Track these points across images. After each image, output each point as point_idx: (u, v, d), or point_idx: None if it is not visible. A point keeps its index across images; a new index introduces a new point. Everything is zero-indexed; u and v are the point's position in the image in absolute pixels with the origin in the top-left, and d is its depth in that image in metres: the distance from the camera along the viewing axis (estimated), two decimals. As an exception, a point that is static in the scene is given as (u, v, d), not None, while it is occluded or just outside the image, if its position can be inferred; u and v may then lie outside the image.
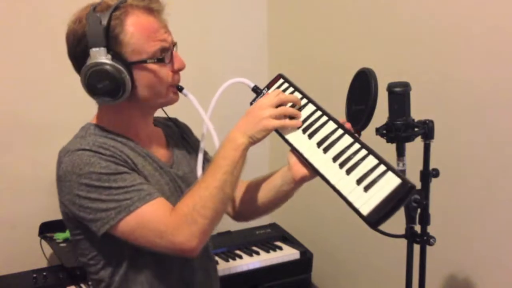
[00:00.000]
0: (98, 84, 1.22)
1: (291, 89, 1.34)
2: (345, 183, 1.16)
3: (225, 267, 2.09)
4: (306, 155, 1.24)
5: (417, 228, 1.35)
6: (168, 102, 1.33)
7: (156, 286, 1.31)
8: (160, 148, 1.40)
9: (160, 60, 1.26)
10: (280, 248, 2.27)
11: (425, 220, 1.34)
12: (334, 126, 1.24)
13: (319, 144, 1.23)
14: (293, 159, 1.28)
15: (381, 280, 2.10)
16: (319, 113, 1.27)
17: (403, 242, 1.34)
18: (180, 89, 1.33)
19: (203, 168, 1.37)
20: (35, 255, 2.09)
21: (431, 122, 1.32)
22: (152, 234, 1.19)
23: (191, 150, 1.48)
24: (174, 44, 1.31)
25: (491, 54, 1.62)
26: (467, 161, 1.71)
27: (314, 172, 1.24)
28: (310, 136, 1.25)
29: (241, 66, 2.53)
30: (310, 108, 1.28)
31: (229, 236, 2.33)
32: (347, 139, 1.21)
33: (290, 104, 1.29)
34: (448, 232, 1.68)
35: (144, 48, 1.25)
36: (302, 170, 1.27)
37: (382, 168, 1.13)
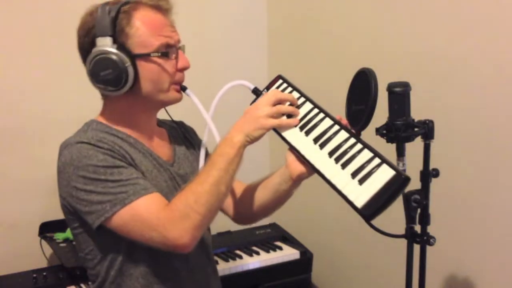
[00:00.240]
0: (101, 71, 1.26)
1: (290, 89, 1.36)
2: (340, 177, 1.18)
3: (225, 267, 2.09)
4: (302, 151, 1.26)
5: (417, 228, 1.35)
6: (170, 100, 1.35)
7: (151, 282, 1.31)
8: (162, 147, 1.42)
9: (164, 55, 1.29)
10: (280, 248, 2.27)
11: (425, 220, 1.34)
12: (331, 122, 1.26)
13: (316, 140, 1.25)
14: (291, 157, 1.30)
15: (381, 280, 2.10)
16: (316, 110, 1.29)
17: (403, 242, 1.34)
18: (184, 88, 1.35)
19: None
20: (35, 255, 2.09)
21: (431, 122, 1.32)
22: (145, 227, 1.20)
23: (195, 152, 1.49)
24: (179, 44, 1.34)
25: (491, 54, 1.62)
26: (467, 161, 1.71)
27: (310, 168, 1.25)
28: (307, 133, 1.27)
29: (241, 66, 2.53)
30: (308, 106, 1.30)
31: (229, 236, 2.33)
32: (343, 135, 1.23)
33: (288, 103, 1.30)
34: (448, 232, 1.68)
35: (149, 41, 1.28)
36: (299, 168, 1.28)
37: (376, 161, 1.15)
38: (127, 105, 1.33)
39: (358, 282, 2.26)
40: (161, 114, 1.48)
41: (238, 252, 2.22)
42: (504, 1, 1.58)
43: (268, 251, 2.23)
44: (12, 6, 2.11)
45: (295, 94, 1.34)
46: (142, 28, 1.28)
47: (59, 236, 2.07)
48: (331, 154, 1.22)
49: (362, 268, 2.22)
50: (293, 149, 1.29)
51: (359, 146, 1.19)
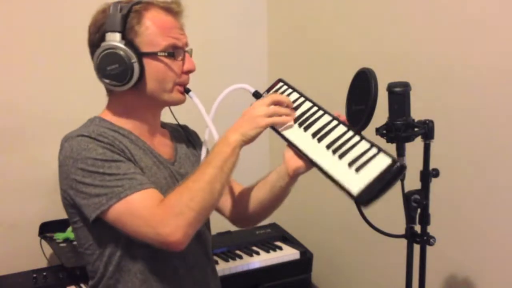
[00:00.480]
0: (108, 66, 1.28)
1: (290, 90, 1.37)
2: (337, 167, 1.19)
3: (225, 267, 2.09)
4: (299, 145, 1.27)
5: (417, 228, 1.35)
6: (174, 100, 1.36)
7: (150, 279, 1.32)
8: (164, 146, 1.43)
9: (171, 55, 1.31)
10: (280, 248, 2.27)
11: (425, 220, 1.34)
12: (329, 118, 1.27)
13: (314, 135, 1.26)
14: (289, 154, 1.32)
15: (381, 280, 2.10)
16: (315, 108, 1.31)
17: (403, 242, 1.34)
18: (187, 91, 1.37)
19: None
20: (35, 255, 2.09)
21: (431, 122, 1.32)
22: (138, 222, 1.20)
23: (196, 153, 1.51)
24: (187, 47, 1.36)
25: (491, 54, 1.62)
26: (467, 161, 1.71)
27: (307, 161, 1.26)
28: (306, 129, 1.28)
29: (241, 67, 2.53)
30: (307, 104, 1.32)
31: (229, 236, 2.33)
32: (341, 129, 1.24)
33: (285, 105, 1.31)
34: (448, 232, 1.68)
35: (157, 41, 1.30)
36: (296, 163, 1.30)
37: (374, 150, 1.16)
38: (131, 101, 1.35)
39: (358, 282, 2.26)
40: (167, 118, 1.49)
41: (238, 252, 2.22)
42: (504, 1, 1.58)
43: (268, 251, 2.23)
44: (12, 6, 2.11)
45: (295, 95, 1.35)
46: (152, 27, 1.30)
47: (59, 236, 2.07)
48: (328, 146, 1.23)
49: (362, 268, 2.22)
50: (290, 144, 1.30)
51: (356, 138, 1.21)
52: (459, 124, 1.72)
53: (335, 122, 1.26)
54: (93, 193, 1.22)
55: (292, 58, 2.53)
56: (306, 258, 2.26)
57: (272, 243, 2.32)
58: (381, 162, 1.13)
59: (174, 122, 1.53)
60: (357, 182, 1.13)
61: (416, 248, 1.35)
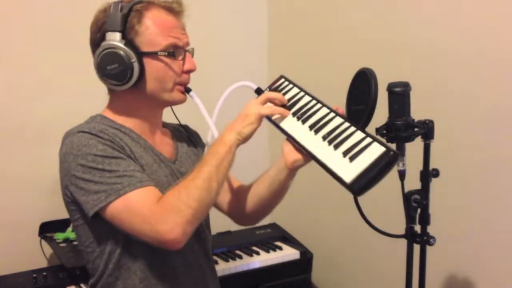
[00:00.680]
0: (108, 65, 1.29)
1: (291, 86, 1.39)
2: (332, 157, 1.20)
3: (225, 267, 2.09)
4: (296, 137, 1.29)
5: (417, 228, 1.35)
6: (174, 100, 1.37)
7: (149, 277, 1.32)
8: (165, 145, 1.44)
9: (171, 55, 1.32)
10: (280, 248, 2.27)
11: (425, 220, 1.34)
12: (327, 111, 1.29)
13: (311, 127, 1.28)
14: (287, 147, 1.33)
15: (381, 280, 2.10)
16: (314, 102, 1.32)
17: (403, 242, 1.34)
18: (188, 90, 1.37)
19: None
20: (35, 255, 2.09)
21: (431, 122, 1.32)
22: (137, 219, 1.21)
23: (197, 153, 1.51)
24: (188, 46, 1.36)
25: (492, 54, 1.62)
26: (467, 161, 1.71)
27: (304, 153, 1.28)
28: (304, 121, 1.30)
29: (241, 66, 2.53)
30: (306, 98, 1.34)
31: (229, 236, 2.33)
32: (337, 120, 1.26)
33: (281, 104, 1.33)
34: (448, 232, 1.68)
35: (157, 40, 1.31)
36: (294, 156, 1.31)
37: (368, 140, 1.18)
38: (132, 100, 1.35)
39: (358, 282, 2.26)
40: (168, 118, 1.49)
41: (238, 252, 2.22)
42: (504, 1, 1.58)
43: (268, 251, 2.23)
44: (12, 6, 2.11)
45: (295, 90, 1.37)
46: (152, 27, 1.30)
47: (59, 236, 2.07)
48: (324, 137, 1.24)
49: (362, 268, 2.22)
50: (288, 137, 1.31)
51: (352, 129, 1.22)
52: (459, 124, 1.72)
53: (332, 114, 1.28)
54: (92, 190, 1.22)
55: (292, 58, 2.53)
56: (306, 258, 2.26)
57: (272, 243, 2.32)
58: (375, 151, 1.14)
59: (176, 122, 1.54)
60: (350, 171, 1.15)
61: (416, 248, 1.35)
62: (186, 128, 1.57)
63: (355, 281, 2.28)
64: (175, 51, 1.32)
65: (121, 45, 1.28)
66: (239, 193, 1.50)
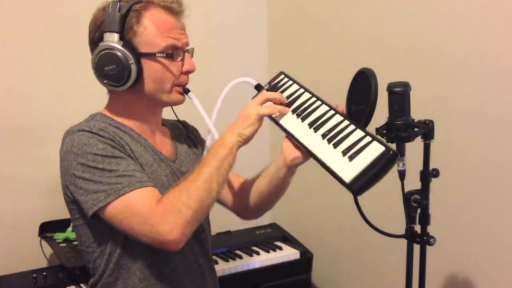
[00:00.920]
0: (105, 66, 1.28)
1: (290, 82, 1.39)
2: (331, 156, 1.20)
3: (225, 267, 2.09)
4: (296, 134, 1.28)
5: (417, 228, 1.35)
6: (172, 101, 1.37)
7: (149, 276, 1.32)
8: (165, 144, 1.44)
9: (169, 56, 1.31)
10: (280, 248, 2.27)
11: (425, 220, 1.34)
12: (326, 108, 1.28)
13: (311, 125, 1.28)
14: (287, 144, 1.33)
15: (381, 280, 2.10)
16: (313, 99, 1.32)
17: (403, 242, 1.34)
18: (187, 91, 1.36)
19: None
20: (35, 255, 2.09)
21: (431, 122, 1.32)
22: (136, 220, 1.20)
23: (197, 150, 1.51)
24: (188, 46, 1.35)
25: (492, 54, 1.62)
26: (467, 161, 1.71)
27: (304, 150, 1.27)
28: (303, 119, 1.29)
29: (241, 66, 2.53)
30: (306, 95, 1.33)
31: (229, 236, 2.33)
32: (337, 118, 1.25)
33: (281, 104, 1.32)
34: (448, 232, 1.68)
35: (155, 41, 1.30)
36: (293, 153, 1.30)
37: (367, 139, 1.17)
38: (131, 100, 1.35)
39: (358, 282, 2.26)
40: (166, 114, 1.49)
41: (238, 252, 2.22)
42: (504, 1, 1.58)
43: (268, 251, 2.23)
44: (12, 6, 2.11)
45: (295, 87, 1.37)
46: (151, 27, 1.29)
47: (59, 236, 2.07)
48: (324, 136, 1.24)
49: (362, 268, 2.22)
50: (288, 134, 1.31)
51: (352, 127, 1.22)
52: (459, 124, 1.72)
53: (332, 112, 1.27)
54: (92, 189, 1.22)
55: (292, 58, 2.53)
56: (306, 258, 2.25)
57: (272, 243, 2.32)
58: (374, 150, 1.14)
59: (173, 118, 1.52)
60: (350, 170, 1.15)
61: (416, 248, 1.35)
62: (184, 124, 1.57)
63: (355, 281, 2.28)
64: (173, 52, 1.31)
65: (118, 46, 1.27)
66: (241, 188, 1.50)
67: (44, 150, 2.03)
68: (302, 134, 1.28)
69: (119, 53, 1.26)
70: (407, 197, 1.31)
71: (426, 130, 1.32)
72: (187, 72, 1.36)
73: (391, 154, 1.12)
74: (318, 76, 2.30)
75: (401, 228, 1.34)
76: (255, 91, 1.41)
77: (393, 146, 1.28)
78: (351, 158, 1.16)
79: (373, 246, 2.08)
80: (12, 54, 2.12)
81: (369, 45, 2.06)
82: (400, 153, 1.28)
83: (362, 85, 1.23)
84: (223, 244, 2.24)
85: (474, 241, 1.71)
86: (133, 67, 1.27)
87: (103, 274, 1.33)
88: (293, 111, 1.32)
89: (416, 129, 1.31)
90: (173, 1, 1.33)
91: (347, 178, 1.14)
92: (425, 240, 1.34)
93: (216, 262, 2.10)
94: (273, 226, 2.45)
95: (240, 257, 2.18)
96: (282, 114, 1.32)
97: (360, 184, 1.13)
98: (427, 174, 1.35)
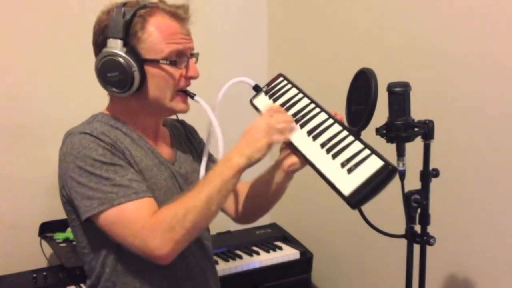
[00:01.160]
0: (108, 73, 1.27)
1: (289, 85, 1.38)
2: (330, 167, 1.19)
3: (225, 267, 2.09)
4: (295, 142, 1.27)
5: (417, 228, 1.35)
6: (176, 109, 1.35)
7: (148, 280, 1.31)
8: (165, 146, 1.43)
9: (173, 63, 1.29)
10: (280, 248, 2.27)
11: (425, 220, 1.34)
12: (325, 116, 1.28)
13: (309, 133, 1.27)
14: (284, 150, 1.31)
15: (381, 280, 2.10)
16: (312, 105, 1.31)
17: (403, 242, 1.34)
18: (192, 96, 1.35)
19: (207, 169, 1.39)
20: (35, 255, 2.09)
21: (431, 122, 1.32)
22: (128, 231, 1.20)
23: (195, 151, 1.51)
24: (193, 53, 1.35)
25: (492, 54, 1.62)
26: (467, 161, 1.71)
27: (302, 158, 1.27)
28: (302, 126, 1.29)
29: (241, 66, 2.53)
30: (305, 101, 1.33)
31: (229, 236, 2.33)
32: (336, 128, 1.25)
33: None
34: (448, 232, 1.68)
35: (159, 48, 1.28)
36: (291, 159, 1.29)
37: (366, 152, 1.17)
38: (133, 105, 1.34)
39: (358, 282, 2.26)
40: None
41: (238, 252, 2.22)
42: (504, 1, 1.58)
43: (268, 251, 2.23)
44: (12, 7, 2.11)
45: (294, 91, 1.36)
46: (155, 34, 1.28)
47: (59, 236, 2.07)
48: (323, 145, 1.23)
49: (362, 268, 2.22)
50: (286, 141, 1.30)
51: (350, 138, 1.21)
52: (459, 124, 1.72)
53: (330, 121, 1.27)
54: (86, 195, 1.22)
55: (292, 58, 2.53)
56: (306, 258, 2.25)
57: (272, 243, 2.32)
58: (373, 165, 1.14)
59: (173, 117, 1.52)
60: (348, 183, 1.14)
61: (416, 248, 1.35)
62: (182, 123, 1.56)
63: (355, 281, 2.28)
64: (177, 60, 1.30)
65: (122, 53, 1.25)
66: (237, 192, 1.49)
67: (44, 150, 2.02)
68: (300, 141, 1.27)
69: (122, 60, 1.25)
70: (407, 197, 1.31)
71: (426, 130, 1.32)
72: (191, 78, 1.35)
73: (390, 169, 1.12)
74: (318, 76, 2.31)
75: (401, 228, 1.34)
76: (253, 92, 1.41)
77: (393, 146, 1.29)
78: (349, 170, 1.16)
79: (373, 246, 2.08)
80: (12, 54, 2.12)
81: (369, 45, 2.06)
82: (400, 153, 1.29)
83: (362, 85, 1.23)
84: (223, 244, 2.24)
85: (474, 241, 1.71)
86: (136, 74, 1.26)
87: (100, 277, 1.32)
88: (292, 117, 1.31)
89: (416, 129, 1.31)
90: (179, 7, 1.31)
91: (346, 191, 1.14)
92: (425, 240, 1.34)
93: (216, 262, 2.10)
94: (273, 226, 2.45)
95: (240, 257, 2.18)
96: None
97: (359, 198, 1.12)
98: (427, 174, 1.35)
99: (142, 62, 1.27)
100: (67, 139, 1.28)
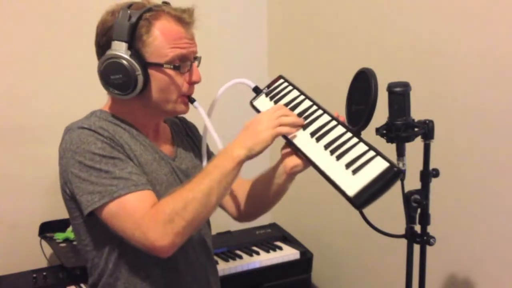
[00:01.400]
0: (111, 75, 1.26)
1: (290, 87, 1.38)
2: (334, 168, 1.19)
3: (225, 267, 2.09)
4: (298, 144, 1.27)
5: (417, 228, 1.35)
6: (177, 111, 1.36)
7: (150, 275, 1.32)
8: (165, 143, 1.43)
9: (176, 68, 1.29)
10: (280, 248, 2.27)
11: (425, 220, 1.34)
12: (328, 118, 1.28)
13: (312, 134, 1.26)
14: (286, 151, 1.31)
15: (381, 280, 2.10)
16: (314, 107, 1.31)
17: (403, 242, 1.34)
18: (192, 101, 1.36)
19: (208, 158, 1.41)
20: (35, 255, 2.09)
21: (431, 122, 1.32)
22: (128, 223, 1.20)
23: (195, 147, 1.51)
24: (196, 57, 1.35)
25: (492, 54, 1.62)
26: (467, 161, 1.71)
27: (305, 160, 1.26)
28: (304, 127, 1.28)
29: (241, 67, 2.53)
30: (307, 103, 1.32)
31: (229, 236, 2.33)
32: (339, 129, 1.25)
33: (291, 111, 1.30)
34: (448, 232, 1.68)
35: (164, 52, 1.28)
36: (293, 161, 1.29)
37: (371, 153, 1.17)
38: (133, 106, 1.34)
39: (358, 282, 2.26)
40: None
41: (238, 252, 2.22)
42: (504, 1, 1.58)
43: (268, 251, 2.23)
44: (12, 7, 2.11)
45: (295, 93, 1.36)
46: (160, 37, 1.27)
47: (59, 236, 2.07)
48: (326, 146, 1.23)
49: (362, 268, 2.22)
50: (289, 142, 1.30)
51: (355, 140, 1.21)
52: (459, 124, 1.72)
53: (334, 122, 1.27)
54: (87, 190, 1.22)
55: (292, 58, 2.53)
56: (306, 258, 2.26)
57: (272, 243, 2.32)
58: (378, 166, 1.14)
59: None
60: (353, 185, 1.14)
61: (416, 248, 1.35)
62: (183, 120, 1.56)
63: (355, 281, 2.28)
64: (180, 64, 1.30)
65: (126, 56, 1.25)
66: (237, 191, 1.49)
67: (44, 150, 2.02)
68: (303, 143, 1.26)
69: (126, 63, 1.25)
70: (407, 197, 1.31)
71: (426, 130, 1.31)
72: (194, 83, 1.35)
73: (395, 171, 1.12)
74: (318, 76, 2.31)
75: (401, 228, 1.34)
76: (254, 94, 1.41)
77: (393, 146, 1.29)
78: (354, 172, 1.16)
79: (373, 246, 2.08)
80: (12, 54, 2.12)
81: (369, 45, 2.06)
82: (400, 153, 1.29)
83: (362, 85, 1.23)
84: (223, 244, 2.24)
85: (474, 241, 1.71)
86: (140, 78, 1.26)
87: (102, 274, 1.33)
88: None
89: (416, 129, 1.30)
90: (184, 11, 1.31)
91: (351, 192, 1.14)
92: (425, 240, 1.34)
93: (216, 262, 2.10)
94: (273, 226, 2.45)
95: (240, 257, 2.18)
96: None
97: (363, 199, 1.12)
98: (427, 174, 1.35)
99: (145, 65, 1.27)
100: (66, 135, 1.28)
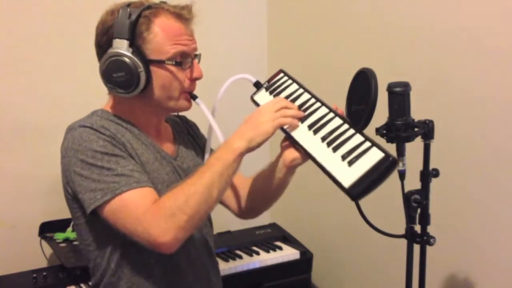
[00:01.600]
0: (113, 73, 1.27)
1: (290, 81, 1.39)
2: (331, 160, 1.20)
3: (225, 267, 2.09)
4: (296, 137, 1.28)
5: (417, 228, 1.35)
6: (180, 108, 1.37)
7: (152, 274, 1.32)
8: (167, 142, 1.44)
9: (178, 64, 1.30)
10: (280, 248, 2.27)
11: (425, 220, 1.34)
12: (326, 110, 1.28)
13: (310, 127, 1.27)
14: (285, 145, 1.32)
15: (381, 280, 2.10)
16: (313, 100, 1.32)
17: (403, 242, 1.34)
18: (194, 97, 1.36)
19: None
20: (35, 255, 2.09)
21: (431, 122, 1.32)
22: (130, 220, 1.20)
23: (197, 146, 1.52)
24: (196, 54, 1.35)
25: (491, 54, 1.62)
26: (467, 161, 1.71)
27: (303, 153, 1.27)
28: (302, 120, 1.29)
29: (241, 66, 2.53)
30: (306, 96, 1.33)
31: (229, 236, 2.33)
32: (336, 121, 1.25)
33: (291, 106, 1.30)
34: (448, 232, 1.68)
35: (165, 48, 1.29)
36: (292, 154, 1.30)
37: (367, 144, 1.17)
38: (138, 105, 1.34)
39: (358, 282, 2.26)
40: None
41: (238, 252, 2.22)
42: (504, 1, 1.58)
43: (268, 251, 2.23)
44: (12, 7, 2.11)
45: (295, 86, 1.37)
46: (160, 34, 1.28)
47: (59, 236, 2.07)
48: (323, 139, 1.24)
49: (362, 268, 2.22)
50: (287, 135, 1.30)
51: (351, 131, 1.22)
52: (459, 124, 1.72)
53: (331, 115, 1.27)
54: (89, 188, 1.22)
55: (292, 58, 2.53)
56: (306, 258, 2.25)
57: (272, 243, 2.32)
58: (374, 156, 1.14)
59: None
60: (349, 175, 1.15)
61: (416, 248, 1.35)
62: (184, 119, 1.56)
63: (355, 281, 2.28)
64: (182, 61, 1.31)
65: (128, 53, 1.26)
66: (239, 187, 1.49)
67: (45, 150, 2.03)
68: (301, 136, 1.28)
69: (128, 61, 1.25)
70: (407, 197, 1.31)
71: (426, 130, 1.32)
72: (195, 79, 1.35)
73: (390, 161, 1.12)
74: (318, 76, 2.30)
75: (401, 228, 1.34)
76: (254, 89, 1.41)
77: (393, 146, 1.29)
78: (350, 163, 1.16)
79: (373, 246, 2.08)
80: (13, 54, 2.12)
81: (369, 45, 2.06)
82: (400, 153, 1.29)
83: (362, 85, 1.23)
84: (223, 244, 2.24)
85: (474, 241, 1.71)
86: (142, 75, 1.27)
87: (105, 273, 1.33)
88: None
89: (416, 129, 1.31)
90: (183, 8, 1.32)
91: (346, 183, 1.14)
92: (425, 240, 1.34)
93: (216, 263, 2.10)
94: (273, 226, 2.45)
95: (240, 257, 2.18)
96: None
97: (359, 190, 1.13)
98: (427, 174, 1.35)
99: (147, 62, 1.28)
100: (68, 134, 1.29)
